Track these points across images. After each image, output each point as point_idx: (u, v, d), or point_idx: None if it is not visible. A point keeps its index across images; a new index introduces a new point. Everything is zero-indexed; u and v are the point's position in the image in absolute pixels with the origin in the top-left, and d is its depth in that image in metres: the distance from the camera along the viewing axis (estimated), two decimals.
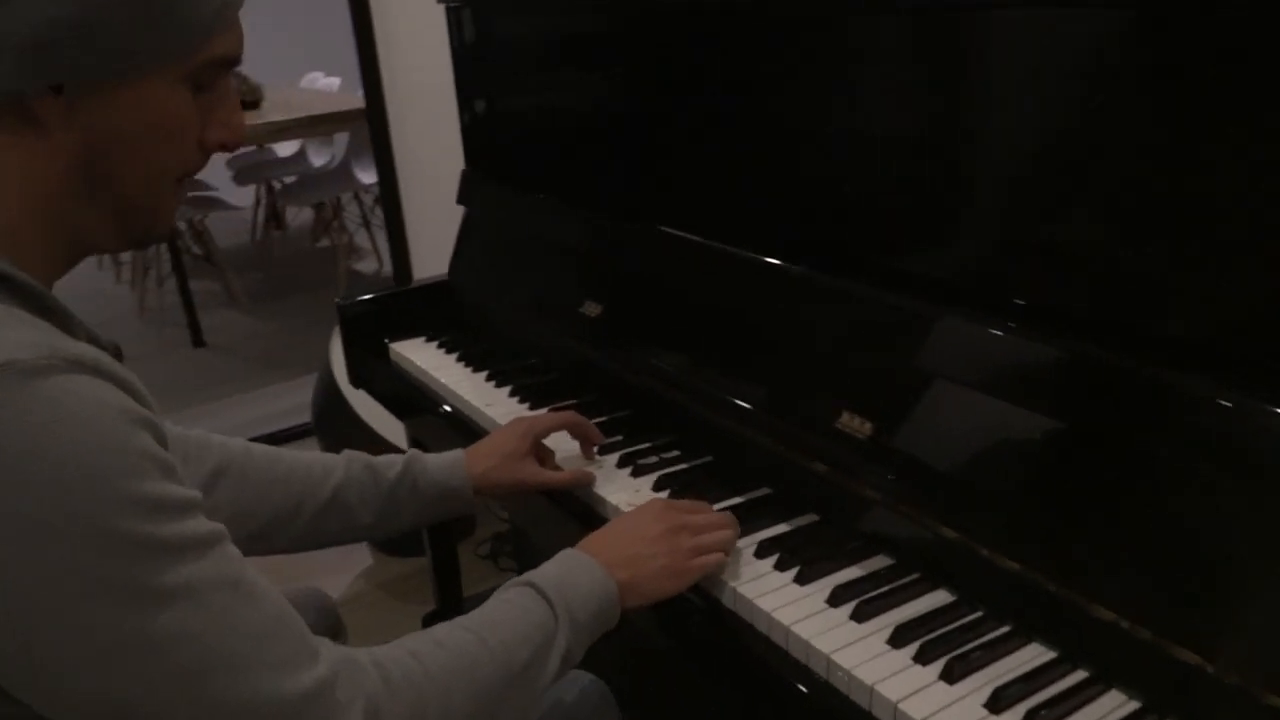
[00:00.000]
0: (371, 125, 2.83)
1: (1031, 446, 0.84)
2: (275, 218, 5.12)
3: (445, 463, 1.08)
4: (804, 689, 0.82)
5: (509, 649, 0.76)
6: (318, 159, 4.71)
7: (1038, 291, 0.89)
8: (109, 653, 0.54)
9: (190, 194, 4.22)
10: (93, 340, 0.65)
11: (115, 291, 4.45)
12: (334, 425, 2.30)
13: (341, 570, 2.25)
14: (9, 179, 0.61)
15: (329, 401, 2.28)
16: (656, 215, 1.29)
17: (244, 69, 3.77)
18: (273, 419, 3.02)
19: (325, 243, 4.81)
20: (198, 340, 3.73)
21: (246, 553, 0.99)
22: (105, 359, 0.58)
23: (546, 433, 1.14)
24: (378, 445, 2.09)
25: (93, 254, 0.70)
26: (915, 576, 0.92)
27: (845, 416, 0.98)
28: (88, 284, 4.66)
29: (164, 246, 3.77)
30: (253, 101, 3.96)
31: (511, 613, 0.79)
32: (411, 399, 1.49)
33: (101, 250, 0.69)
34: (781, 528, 1.01)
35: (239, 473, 0.98)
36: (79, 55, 0.59)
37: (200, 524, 0.60)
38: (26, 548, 0.52)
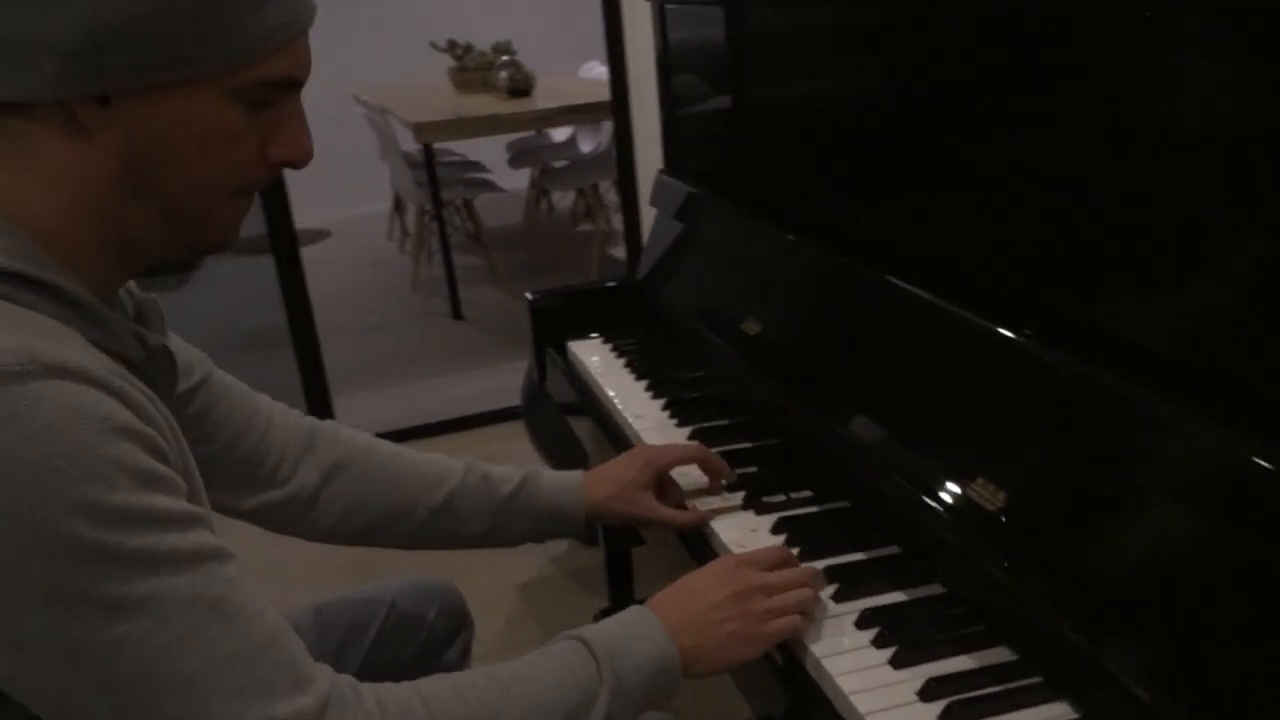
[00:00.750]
0: (615, 116, 2.88)
1: (1209, 571, 0.69)
2: (544, 200, 5.35)
3: (562, 484, 1.06)
4: None
5: (538, 707, 0.72)
6: (586, 145, 4.86)
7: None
8: (63, 657, 0.56)
9: (462, 176, 4.49)
10: (140, 340, 0.67)
11: (400, 263, 4.81)
12: (538, 412, 2.37)
13: (535, 552, 2.31)
14: (58, 183, 0.63)
15: (533, 389, 2.34)
16: (844, 243, 1.19)
17: (521, 57, 3.93)
18: (510, 394, 3.14)
19: (586, 227, 4.97)
20: (457, 313, 3.97)
21: (361, 544, 1.03)
22: (96, 368, 0.58)
23: (670, 467, 1.09)
24: (567, 439, 2.10)
25: (152, 259, 0.71)
26: (1035, 680, 0.79)
27: (980, 482, 0.86)
28: (379, 252, 5.09)
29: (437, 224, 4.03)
30: (523, 89, 4.15)
31: (551, 669, 0.75)
32: (581, 398, 1.49)
33: (160, 256, 0.71)
34: (896, 596, 0.91)
35: (360, 469, 1.01)
36: (122, 65, 0.60)
37: (183, 539, 0.59)
38: (7, 546, 0.53)
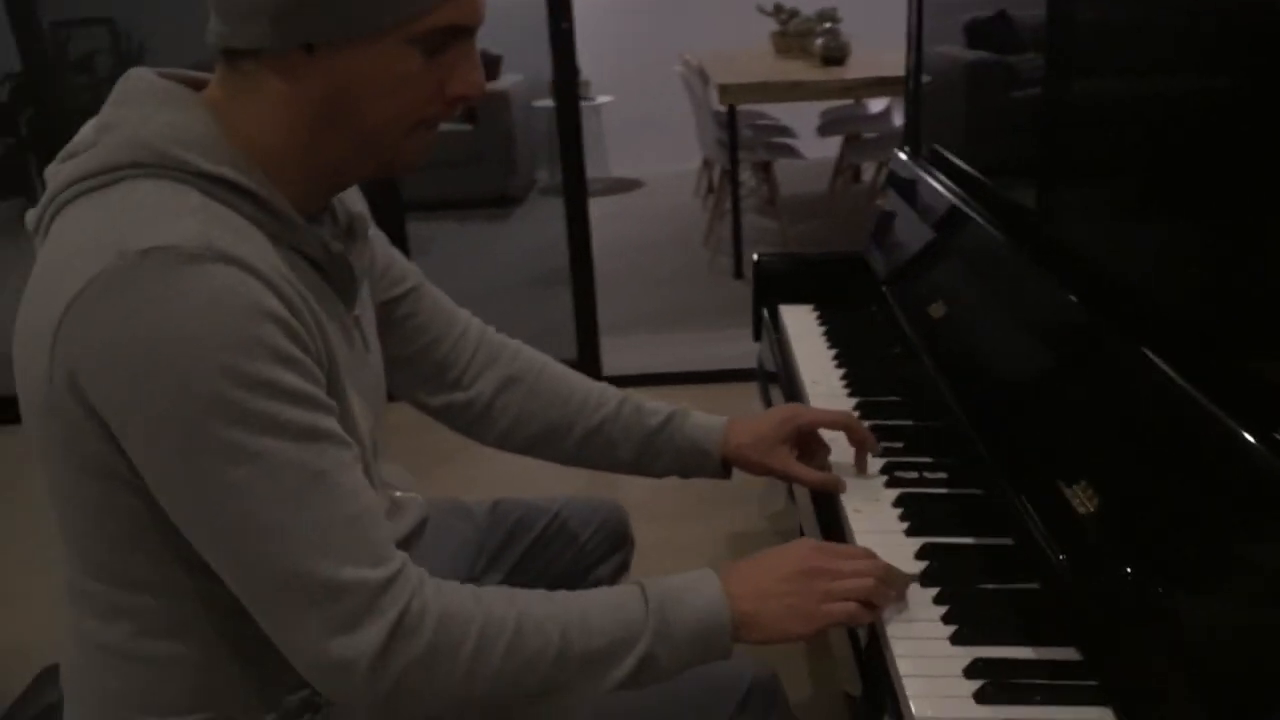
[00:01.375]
0: (906, 92, 2.84)
1: None
2: (851, 171, 5.31)
3: (704, 426, 1.15)
4: None
5: (582, 629, 0.81)
6: (900, 118, 4.77)
7: None
8: (195, 481, 0.71)
9: (765, 139, 4.57)
10: (315, 238, 0.83)
11: (700, 219, 4.99)
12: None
13: (752, 507, 2.40)
14: (274, 114, 0.79)
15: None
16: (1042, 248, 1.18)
17: (848, 25, 3.94)
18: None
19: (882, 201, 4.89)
20: (738, 272, 4.09)
21: (527, 455, 1.17)
22: (262, 262, 0.73)
23: (811, 427, 1.14)
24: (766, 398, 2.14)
25: (349, 180, 0.87)
26: (1087, 683, 0.79)
27: (1081, 486, 0.86)
28: (684, 206, 5.30)
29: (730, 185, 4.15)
30: (837, 58, 4.15)
31: (604, 600, 0.84)
32: (779, 359, 1.56)
33: (356, 177, 0.86)
34: (1024, 652, 0.83)
35: (530, 386, 1.15)
36: (318, 21, 0.74)
37: (299, 415, 0.73)
38: (159, 391, 0.70)
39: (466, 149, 5.30)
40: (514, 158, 5.52)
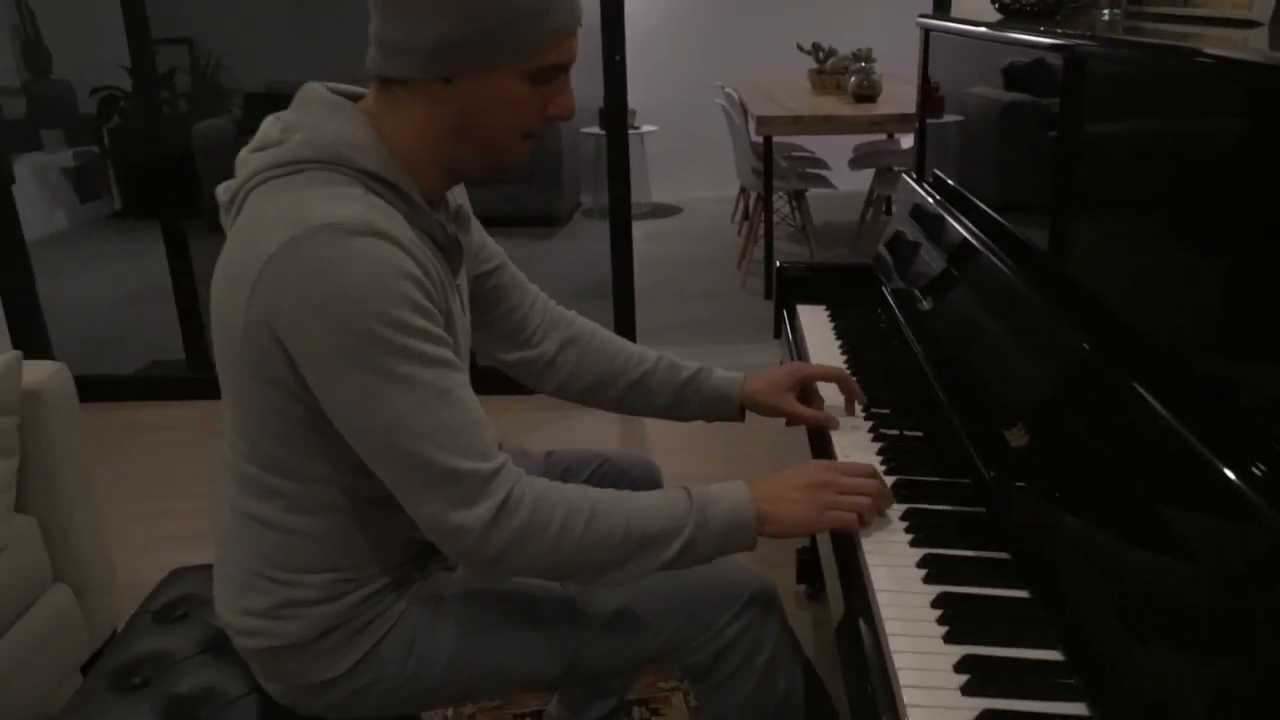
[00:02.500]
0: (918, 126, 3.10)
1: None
2: (882, 202, 5.56)
3: (727, 378, 1.40)
4: None
5: (640, 516, 1.05)
6: None
7: None
8: (356, 393, 0.96)
9: (800, 170, 4.83)
10: (442, 228, 1.09)
11: (735, 243, 5.26)
12: None
13: None
14: (416, 128, 1.04)
15: None
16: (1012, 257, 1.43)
17: (884, 64, 4.20)
18: None
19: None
20: (769, 293, 4.34)
21: (581, 403, 1.43)
22: (404, 237, 0.98)
23: (814, 379, 1.40)
24: None
25: (468, 178, 1.13)
26: (1022, 594, 1.03)
27: (1017, 429, 1.10)
28: (721, 231, 5.57)
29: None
30: (869, 95, 4.41)
31: (660, 498, 1.08)
32: (794, 349, 1.81)
33: (472, 176, 1.11)
34: (965, 552, 1.07)
35: (583, 346, 1.40)
36: (456, 59, 1.00)
37: (431, 349, 0.98)
38: (331, 327, 0.95)
39: (517, 170, 5.62)
40: (561, 180, 5.82)
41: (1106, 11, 1.70)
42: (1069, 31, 1.29)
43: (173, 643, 1.31)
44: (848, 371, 1.42)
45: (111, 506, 2.40)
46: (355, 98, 1.09)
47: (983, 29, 1.60)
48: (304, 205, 0.98)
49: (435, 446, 0.98)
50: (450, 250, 1.12)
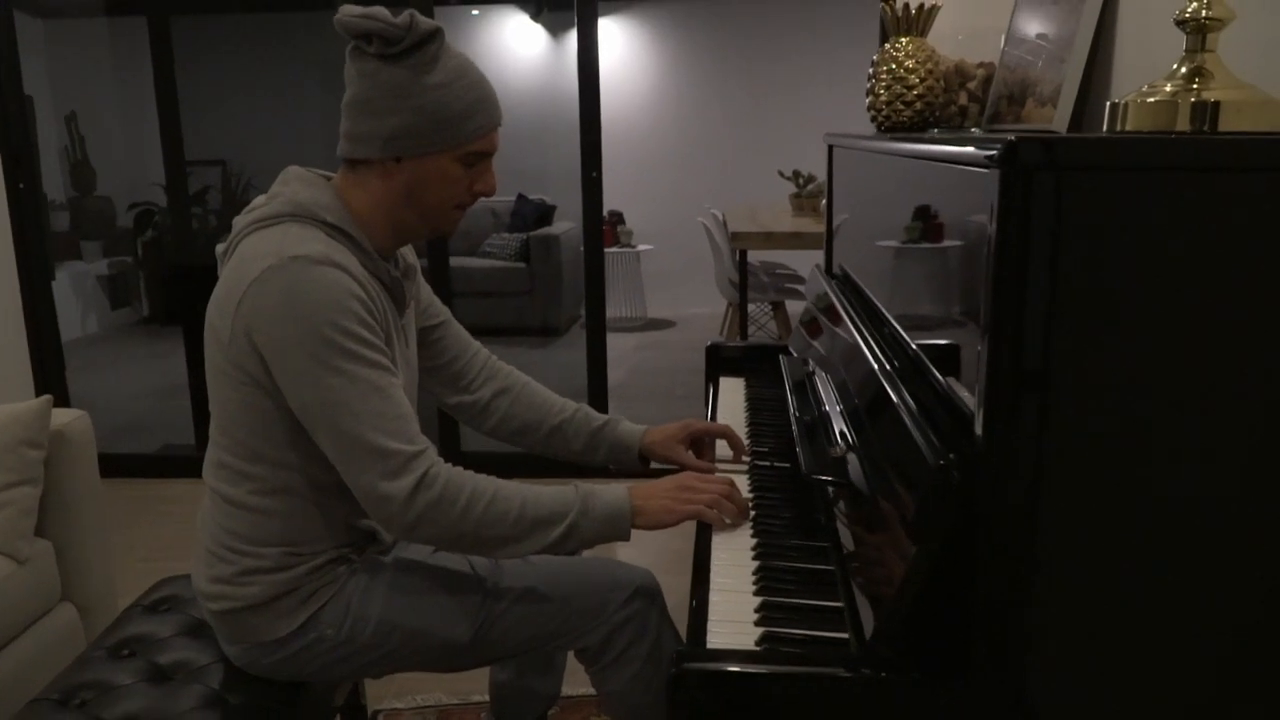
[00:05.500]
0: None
1: None
2: None
3: (630, 430, 1.67)
4: None
5: (534, 503, 1.31)
6: None
7: None
8: (311, 384, 1.24)
9: (778, 285, 5.19)
10: (385, 269, 1.38)
11: None
12: None
13: None
14: (372, 198, 1.36)
15: None
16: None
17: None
18: None
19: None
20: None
21: (510, 444, 1.70)
22: (358, 269, 1.29)
23: (702, 434, 1.67)
24: None
25: (414, 239, 1.44)
26: (833, 604, 1.29)
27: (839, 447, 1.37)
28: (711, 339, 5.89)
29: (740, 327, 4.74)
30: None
31: (552, 490, 1.35)
32: (711, 409, 2.08)
33: (417, 237, 1.43)
34: (795, 544, 1.42)
35: (515, 394, 1.68)
36: (407, 145, 1.32)
37: (371, 354, 1.26)
38: (297, 332, 1.23)
39: (519, 284, 6.02)
40: (560, 294, 6.20)
41: (975, 130, 2.03)
42: (922, 137, 1.62)
43: (158, 628, 1.57)
44: (732, 428, 1.69)
45: (126, 566, 2.67)
46: (328, 178, 1.42)
47: (861, 141, 1.94)
48: (280, 243, 1.29)
49: (370, 428, 1.26)
50: (395, 292, 1.41)
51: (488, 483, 1.32)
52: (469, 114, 1.34)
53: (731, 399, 2.03)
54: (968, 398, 1.01)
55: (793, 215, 5.38)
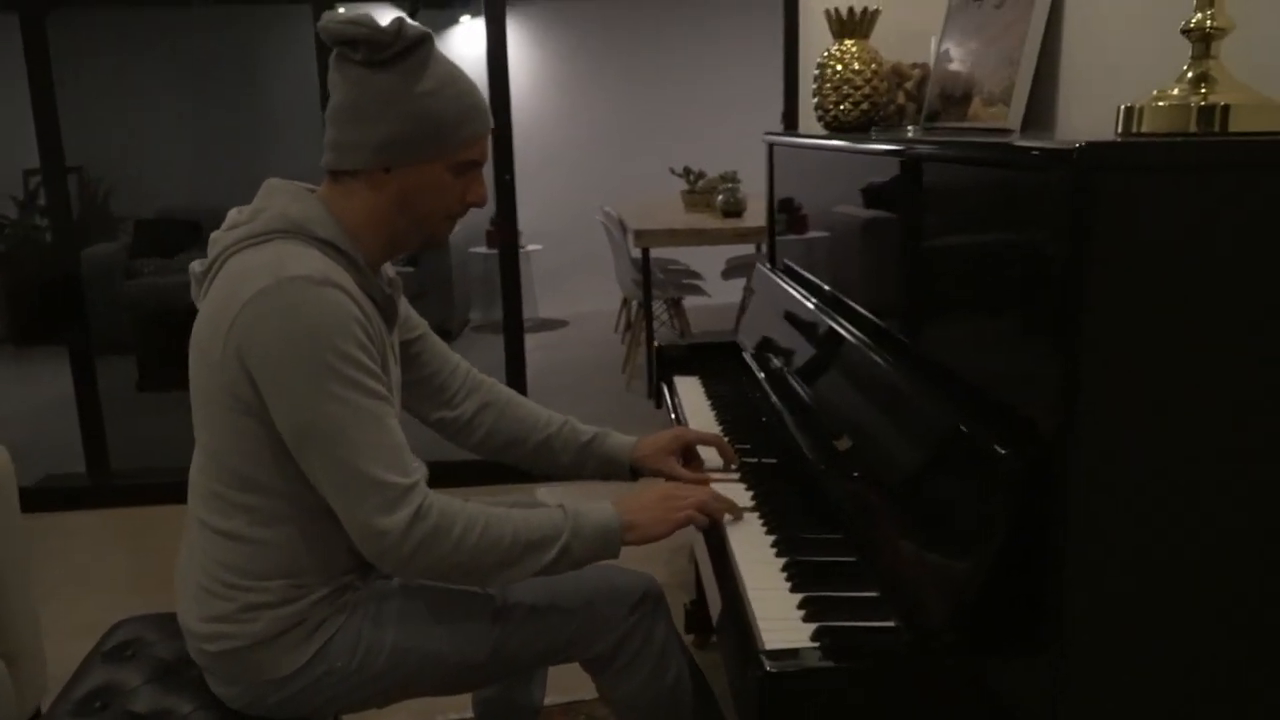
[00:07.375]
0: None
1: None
2: None
3: (620, 442, 1.64)
4: None
5: (525, 527, 1.27)
6: None
7: None
8: (309, 411, 1.18)
9: (676, 281, 5.23)
10: (378, 286, 1.33)
11: (618, 350, 5.59)
12: None
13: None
14: (363, 209, 1.30)
15: None
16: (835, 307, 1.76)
17: (748, 185, 4.64)
18: None
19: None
20: (650, 393, 4.65)
21: (495, 459, 1.65)
22: (355, 288, 1.23)
23: (694, 444, 1.65)
24: None
25: (404, 250, 1.38)
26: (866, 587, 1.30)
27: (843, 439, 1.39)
28: (605, 340, 5.90)
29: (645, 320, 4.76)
30: (735, 211, 4.86)
31: (540, 513, 1.31)
32: (674, 413, 2.08)
33: (408, 248, 1.37)
34: (813, 534, 1.43)
35: (499, 409, 1.63)
36: (397, 154, 1.27)
37: (371, 382, 1.21)
38: (297, 356, 1.17)
39: (409, 287, 5.86)
40: (452, 297, 6.09)
41: (911, 128, 2.10)
42: (882, 137, 1.66)
43: (126, 676, 1.46)
44: (722, 435, 1.69)
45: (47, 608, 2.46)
46: (311, 190, 1.35)
47: (810, 140, 1.97)
48: (276, 262, 1.22)
49: (368, 459, 1.20)
50: (387, 310, 1.36)
51: (477, 510, 1.28)
52: (461, 121, 1.30)
53: (693, 399, 2.03)
54: (1009, 395, 1.05)
55: (685, 211, 5.43)
